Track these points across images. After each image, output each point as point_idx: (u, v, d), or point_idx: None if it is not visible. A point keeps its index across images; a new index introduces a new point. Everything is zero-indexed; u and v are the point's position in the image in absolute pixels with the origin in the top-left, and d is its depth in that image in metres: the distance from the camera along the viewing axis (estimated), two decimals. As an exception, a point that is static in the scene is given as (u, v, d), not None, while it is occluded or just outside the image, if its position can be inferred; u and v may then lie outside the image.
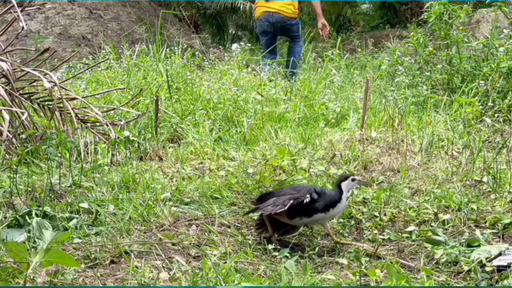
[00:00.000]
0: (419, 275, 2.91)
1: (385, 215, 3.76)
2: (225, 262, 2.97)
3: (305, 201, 3.22)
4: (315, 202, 3.26)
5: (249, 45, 11.21)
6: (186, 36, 12.11)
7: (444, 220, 3.60)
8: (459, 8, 7.31)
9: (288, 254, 3.21)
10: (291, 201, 3.20)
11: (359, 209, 3.84)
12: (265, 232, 3.42)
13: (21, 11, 5.04)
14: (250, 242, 3.39)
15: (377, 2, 18.84)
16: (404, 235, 3.49)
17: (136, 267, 2.90)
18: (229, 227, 3.64)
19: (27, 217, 3.30)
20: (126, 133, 4.94)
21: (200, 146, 5.24)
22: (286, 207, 3.17)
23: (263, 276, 2.91)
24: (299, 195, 3.24)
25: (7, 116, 4.43)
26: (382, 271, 2.87)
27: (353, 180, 3.33)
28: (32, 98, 5.27)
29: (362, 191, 3.99)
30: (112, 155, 4.81)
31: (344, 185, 3.30)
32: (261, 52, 8.73)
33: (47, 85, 4.78)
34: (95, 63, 7.87)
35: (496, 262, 2.93)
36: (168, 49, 8.02)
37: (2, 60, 4.97)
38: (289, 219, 3.32)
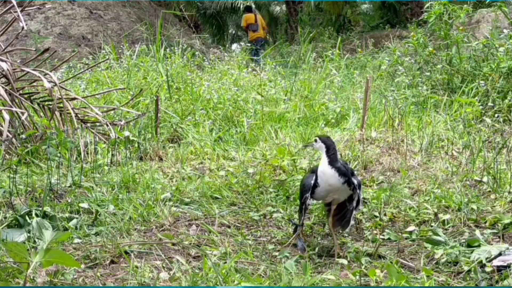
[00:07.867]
0: (419, 275, 2.91)
1: (385, 215, 3.76)
2: (225, 262, 2.97)
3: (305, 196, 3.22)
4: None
5: (249, 45, 11.21)
6: (186, 36, 12.11)
7: (444, 220, 3.59)
8: (459, 8, 7.31)
9: (288, 254, 3.21)
10: (305, 195, 3.23)
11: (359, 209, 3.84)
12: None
13: (21, 11, 5.04)
14: (250, 242, 3.39)
15: (377, 2, 18.85)
16: (404, 235, 3.49)
17: (136, 267, 2.90)
18: (229, 227, 3.64)
19: (27, 217, 3.30)
20: (126, 133, 4.94)
21: (200, 146, 5.24)
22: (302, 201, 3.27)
23: (263, 276, 2.91)
24: (307, 189, 3.23)
25: (7, 116, 4.43)
26: (382, 271, 2.87)
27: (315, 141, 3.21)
28: (32, 98, 5.27)
29: (363, 191, 3.98)
30: (112, 155, 4.81)
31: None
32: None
33: (47, 85, 4.78)
34: (95, 63, 7.88)
35: (496, 262, 2.93)
36: (168, 49, 8.02)
37: (2, 60, 4.97)
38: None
